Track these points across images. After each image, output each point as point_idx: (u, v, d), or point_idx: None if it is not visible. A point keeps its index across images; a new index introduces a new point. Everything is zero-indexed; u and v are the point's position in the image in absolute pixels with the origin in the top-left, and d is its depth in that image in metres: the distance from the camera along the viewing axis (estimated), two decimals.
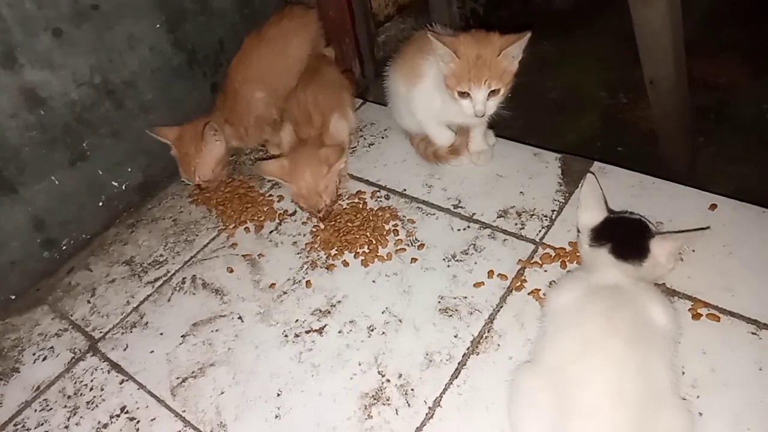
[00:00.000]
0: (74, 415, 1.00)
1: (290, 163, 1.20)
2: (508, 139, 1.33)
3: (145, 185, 1.40)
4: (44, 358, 1.10)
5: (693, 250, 1.04)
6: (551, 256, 1.08)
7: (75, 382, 1.05)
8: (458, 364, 0.96)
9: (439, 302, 1.05)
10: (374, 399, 0.93)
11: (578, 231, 0.99)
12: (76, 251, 1.30)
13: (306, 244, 1.21)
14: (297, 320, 1.07)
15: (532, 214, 1.17)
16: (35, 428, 0.99)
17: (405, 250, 1.15)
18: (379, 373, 0.97)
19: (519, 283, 1.05)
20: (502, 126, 1.26)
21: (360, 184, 1.31)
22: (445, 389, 0.93)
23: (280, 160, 1.21)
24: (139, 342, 1.09)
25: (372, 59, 1.67)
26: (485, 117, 1.13)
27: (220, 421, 0.95)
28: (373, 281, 1.11)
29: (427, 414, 0.91)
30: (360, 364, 0.98)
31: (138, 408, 0.99)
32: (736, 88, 1.74)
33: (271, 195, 1.34)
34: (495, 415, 0.88)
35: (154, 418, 0.97)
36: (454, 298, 1.05)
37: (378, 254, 1.15)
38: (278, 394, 0.97)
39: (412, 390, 0.94)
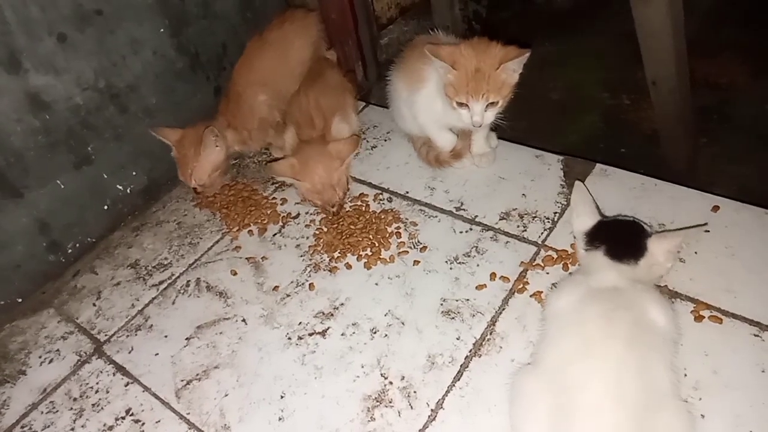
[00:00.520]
0: (80, 417, 1.01)
1: (300, 162, 1.20)
2: (510, 141, 1.34)
3: (149, 189, 1.41)
4: (50, 361, 1.11)
5: (695, 252, 1.04)
6: (553, 258, 1.08)
7: (81, 385, 1.06)
8: (460, 366, 0.96)
9: (442, 304, 1.05)
10: (377, 401, 0.94)
11: (575, 237, 0.99)
12: (81, 254, 1.31)
13: (309, 246, 1.21)
14: (300, 323, 1.08)
15: (534, 217, 1.17)
16: (42, 430, 1.00)
17: (407, 252, 1.15)
18: (381, 375, 0.97)
19: (521, 286, 1.05)
20: (503, 128, 1.26)
21: (363, 187, 1.31)
22: (447, 391, 0.93)
23: (288, 160, 1.22)
24: (143, 345, 1.10)
25: (374, 62, 1.68)
26: (484, 126, 1.14)
27: (224, 423, 0.96)
28: (376, 284, 1.11)
29: (429, 416, 0.91)
30: (363, 367, 0.99)
31: (143, 410, 1.00)
32: (738, 88, 1.74)
33: (274, 198, 1.34)
34: (497, 417, 0.89)
35: (159, 420, 0.98)
36: (457, 301, 1.05)
37: (381, 257, 1.15)
38: (282, 397, 0.97)
39: (415, 392, 0.94)
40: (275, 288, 1.15)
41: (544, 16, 2.13)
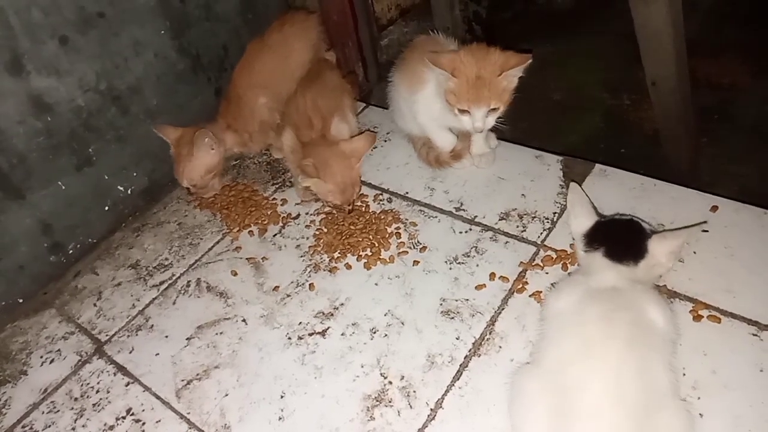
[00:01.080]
0: (81, 417, 1.01)
1: (320, 163, 1.19)
2: (510, 142, 1.34)
3: (150, 190, 1.42)
4: (51, 361, 1.11)
5: (694, 252, 1.04)
6: (553, 258, 1.09)
7: (81, 385, 1.06)
8: (460, 365, 0.96)
9: (441, 304, 1.05)
10: (377, 401, 0.94)
11: (573, 238, 0.99)
12: (82, 255, 1.32)
13: (309, 247, 1.22)
14: (300, 323, 1.08)
15: (534, 217, 1.17)
16: (43, 430, 1.00)
17: (407, 252, 1.16)
18: (381, 375, 0.97)
19: (520, 286, 1.06)
20: (502, 130, 1.27)
21: (363, 188, 1.32)
22: (446, 391, 0.94)
23: (307, 160, 1.19)
24: (144, 345, 1.11)
25: (375, 63, 1.69)
26: (485, 131, 1.14)
27: (224, 422, 0.96)
28: (376, 284, 1.12)
29: (429, 415, 0.91)
30: (362, 366, 0.99)
31: (143, 410, 1.00)
32: (739, 89, 1.74)
33: (274, 199, 1.35)
34: (497, 417, 0.89)
35: (160, 420, 0.98)
36: (456, 301, 1.06)
37: (380, 257, 1.16)
38: (282, 396, 0.98)
39: (414, 392, 0.94)
40: (275, 288, 1.15)
41: (544, 17, 2.13)
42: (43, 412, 1.03)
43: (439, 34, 1.25)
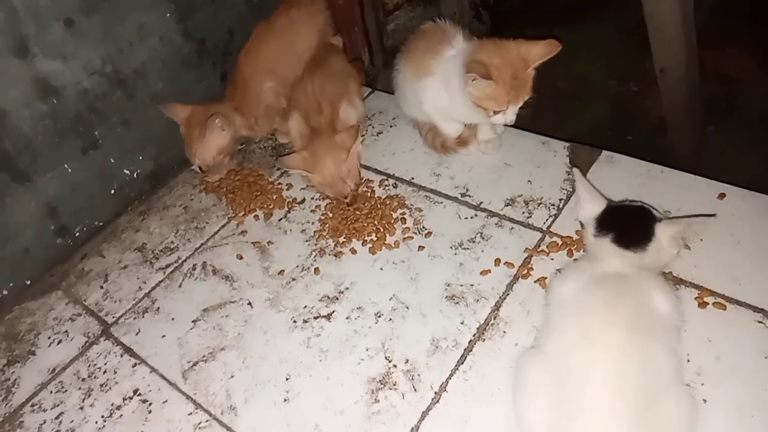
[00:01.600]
0: (88, 397, 1.02)
1: (310, 154, 1.20)
2: (516, 128, 1.33)
3: (155, 173, 1.42)
4: (59, 342, 1.13)
5: (701, 239, 1.04)
6: (558, 244, 1.09)
7: (89, 365, 1.07)
8: (464, 350, 0.97)
9: (446, 289, 1.06)
10: (381, 384, 0.95)
11: (581, 224, 0.99)
12: (88, 238, 1.32)
13: (314, 231, 1.22)
14: (305, 306, 1.08)
15: (540, 203, 1.17)
16: (51, 409, 1.02)
17: (412, 238, 1.16)
18: (386, 358, 0.98)
19: (525, 271, 1.06)
20: None
21: (368, 173, 1.32)
22: (451, 375, 0.94)
23: (300, 153, 1.22)
24: (151, 327, 1.11)
25: (381, 48, 1.68)
26: None
27: (230, 404, 0.97)
28: (381, 269, 1.12)
29: (433, 399, 0.92)
30: (367, 350, 1.00)
31: (150, 391, 1.01)
32: (747, 79, 1.73)
33: (280, 183, 1.35)
34: (500, 401, 0.89)
35: (166, 401, 1.00)
36: (461, 286, 1.06)
37: (386, 242, 1.16)
38: (287, 379, 0.98)
39: (419, 375, 0.95)
40: (281, 272, 1.15)
41: (552, 3, 2.11)
42: (51, 392, 1.04)
43: (445, 21, 1.23)
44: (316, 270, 1.14)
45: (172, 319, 1.12)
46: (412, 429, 0.89)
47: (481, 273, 1.07)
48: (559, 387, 0.78)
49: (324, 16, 1.47)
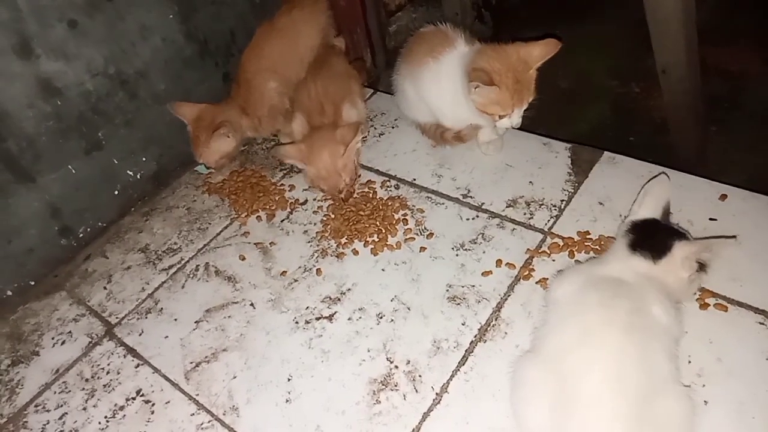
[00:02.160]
0: (92, 397, 1.03)
1: (307, 146, 1.21)
2: (518, 129, 1.33)
3: (158, 174, 1.42)
4: (63, 342, 1.13)
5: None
6: (559, 245, 1.09)
7: (92, 366, 1.08)
8: (465, 351, 0.97)
9: (448, 290, 1.06)
10: (383, 385, 0.95)
11: (624, 219, 0.98)
12: (92, 239, 1.33)
13: (316, 232, 1.22)
14: (307, 307, 1.09)
15: (541, 204, 1.17)
16: (55, 409, 1.02)
17: (414, 239, 1.16)
18: (387, 359, 0.98)
19: (527, 272, 1.06)
20: None
21: (370, 174, 1.32)
22: (452, 376, 0.94)
23: (297, 144, 1.23)
24: (154, 327, 1.12)
25: (383, 49, 1.68)
26: None
27: (232, 404, 0.97)
28: (383, 270, 1.12)
29: (434, 400, 0.92)
30: (369, 351, 1.00)
31: (153, 391, 1.02)
32: (750, 77, 1.72)
33: (282, 184, 1.35)
34: (501, 402, 0.90)
35: (169, 401, 1.00)
36: (462, 287, 1.06)
37: (387, 243, 1.16)
38: (289, 379, 0.99)
39: (420, 376, 0.95)
40: (283, 273, 1.16)
41: (553, 2, 2.11)
42: (55, 392, 1.05)
43: (445, 24, 1.23)
44: (318, 271, 1.14)
45: (175, 319, 1.12)
46: (414, 430, 0.89)
47: (482, 274, 1.07)
48: (557, 387, 0.78)
49: (326, 15, 1.47)
